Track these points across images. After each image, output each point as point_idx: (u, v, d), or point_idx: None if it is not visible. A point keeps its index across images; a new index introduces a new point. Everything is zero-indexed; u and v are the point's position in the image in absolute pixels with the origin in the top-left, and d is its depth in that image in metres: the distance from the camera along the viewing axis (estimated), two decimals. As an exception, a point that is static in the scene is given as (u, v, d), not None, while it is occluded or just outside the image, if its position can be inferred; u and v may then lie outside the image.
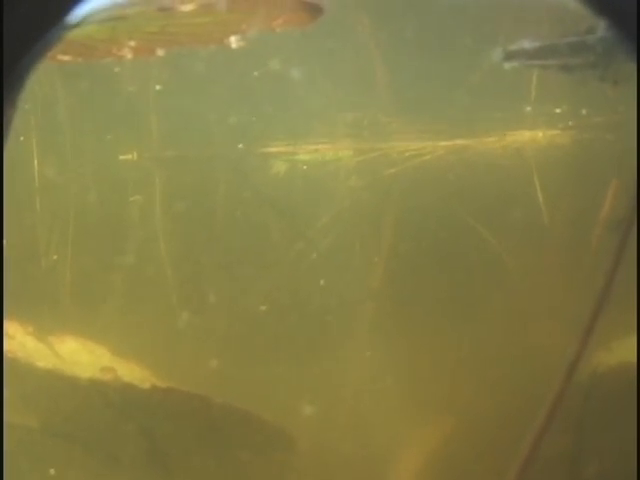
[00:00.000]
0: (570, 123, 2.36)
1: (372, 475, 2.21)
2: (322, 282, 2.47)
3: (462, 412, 2.28)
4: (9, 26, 0.79)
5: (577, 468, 2.10)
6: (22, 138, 2.33)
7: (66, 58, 1.68)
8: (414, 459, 2.23)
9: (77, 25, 0.84)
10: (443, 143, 2.54)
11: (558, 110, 2.34)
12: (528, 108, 2.34)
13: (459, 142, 2.53)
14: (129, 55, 1.59)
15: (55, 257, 2.47)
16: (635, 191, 1.72)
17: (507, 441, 2.00)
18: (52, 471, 1.86)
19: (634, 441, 2.02)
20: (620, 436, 2.09)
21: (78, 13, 0.82)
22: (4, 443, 1.58)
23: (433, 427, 2.27)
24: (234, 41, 1.54)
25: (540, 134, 2.47)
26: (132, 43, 1.52)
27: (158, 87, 2.16)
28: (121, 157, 2.67)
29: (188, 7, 1.43)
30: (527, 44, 1.38)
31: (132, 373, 2.13)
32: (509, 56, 1.41)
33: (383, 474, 2.23)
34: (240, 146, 2.53)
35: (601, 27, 1.26)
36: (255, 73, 2.10)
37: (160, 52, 1.63)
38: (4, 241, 2.14)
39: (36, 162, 2.39)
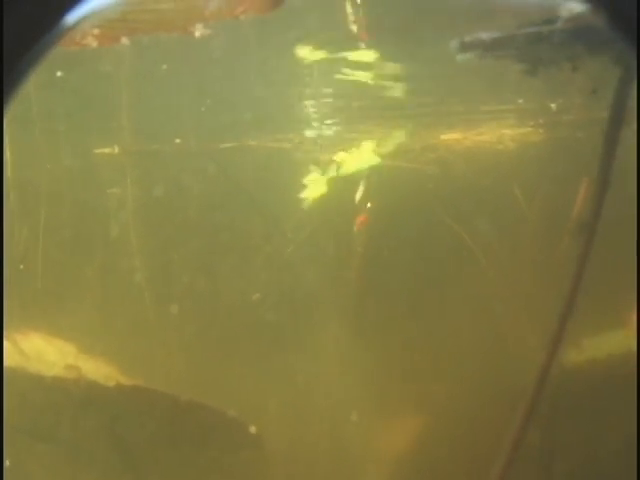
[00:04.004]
0: (540, 121, 2.37)
1: (343, 473, 2.20)
2: (295, 277, 2.46)
3: (434, 410, 2.27)
4: (9, 26, 0.79)
5: (548, 464, 2.10)
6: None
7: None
8: (385, 455, 2.22)
9: (76, 25, 0.85)
10: (417, 139, 2.54)
11: (528, 107, 2.34)
12: (497, 105, 2.34)
13: (433, 139, 2.53)
14: (93, 44, 1.56)
15: (24, 252, 2.43)
16: (598, 192, 1.71)
17: (480, 439, 2.00)
18: (7, 462, 1.82)
19: (602, 437, 2.03)
20: (590, 432, 2.09)
21: (77, 13, 0.83)
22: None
23: (405, 425, 2.26)
24: (198, 29, 1.51)
25: (510, 132, 2.47)
26: (95, 31, 1.49)
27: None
28: (96, 151, 2.64)
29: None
30: (484, 35, 1.36)
31: (98, 371, 2.10)
32: (464, 47, 1.38)
33: (354, 472, 2.22)
34: (213, 140, 2.51)
35: (560, 18, 1.25)
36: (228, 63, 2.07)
37: (125, 40, 1.60)
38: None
39: (8, 154, 2.35)
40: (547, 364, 1.80)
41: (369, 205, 2.48)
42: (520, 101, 2.30)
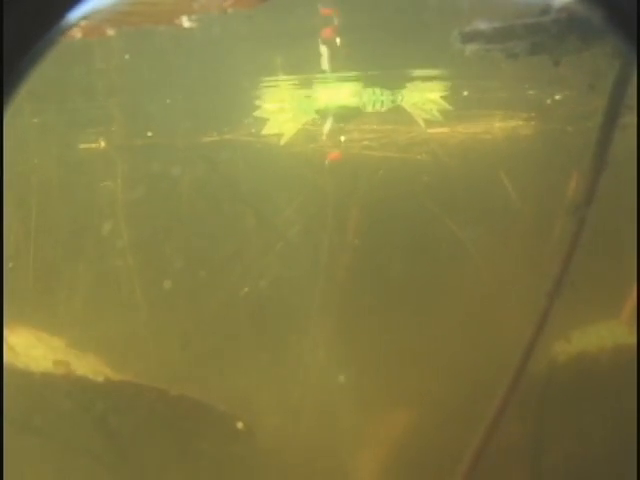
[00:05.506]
0: (532, 114, 2.37)
1: (333, 466, 2.20)
2: (287, 272, 2.45)
3: (421, 400, 2.27)
4: (9, 26, 0.79)
5: (536, 457, 2.11)
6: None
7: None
8: (374, 448, 2.23)
9: (76, 25, 0.85)
10: (408, 133, 2.53)
11: (519, 100, 2.34)
12: (489, 98, 2.34)
13: (424, 132, 2.53)
14: (79, 35, 1.54)
15: (15, 247, 2.42)
16: (592, 184, 1.70)
17: (465, 430, 2.00)
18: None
19: (592, 430, 2.03)
20: (579, 425, 2.10)
21: (77, 12, 0.83)
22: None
23: (393, 418, 2.26)
24: (185, 21, 1.50)
25: (502, 124, 2.47)
26: (81, 22, 1.47)
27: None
28: (82, 146, 2.62)
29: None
30: (483, 25, 1.35)
31: (87, 366, 2.09)
32: (465, 38, 1.37)
33: (343, 464, 2.22)
34: (203, 134, 2.50)
35: (553, 9, 1.24)
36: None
37: (110, 32, 1.58)
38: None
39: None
40: (530, 356, 1.80)
41: (342, 139, 2.47)
42: (511, 94, 2.29)
